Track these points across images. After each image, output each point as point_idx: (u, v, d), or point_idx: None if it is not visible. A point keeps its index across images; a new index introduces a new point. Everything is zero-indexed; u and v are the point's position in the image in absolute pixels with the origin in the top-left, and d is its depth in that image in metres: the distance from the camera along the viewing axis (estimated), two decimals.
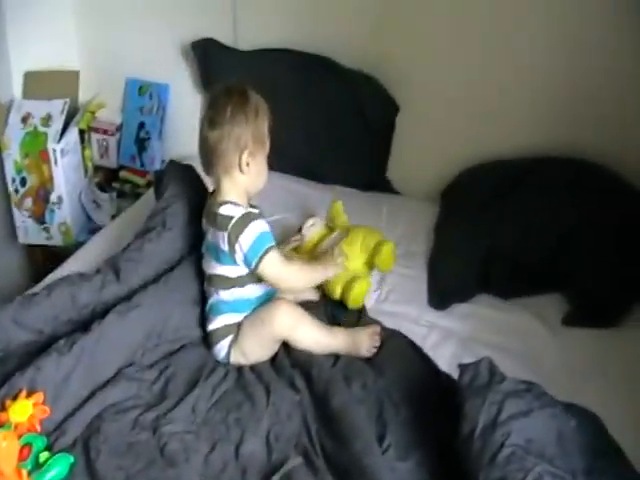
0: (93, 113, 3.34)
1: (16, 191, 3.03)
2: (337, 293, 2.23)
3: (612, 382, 2.01)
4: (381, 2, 2.68)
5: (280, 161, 2.47)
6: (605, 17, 2.37)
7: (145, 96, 3.29)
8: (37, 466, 1.60)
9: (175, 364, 1.98)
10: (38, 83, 3.12)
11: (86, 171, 3.25)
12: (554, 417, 1.57)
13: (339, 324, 2.16)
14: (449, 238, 2.50)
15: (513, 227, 2.38)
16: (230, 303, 2.03)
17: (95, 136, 3.34)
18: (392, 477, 1.60)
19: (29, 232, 3.10)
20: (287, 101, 2.84)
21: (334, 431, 1.74)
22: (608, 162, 2.46)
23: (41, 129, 2.97)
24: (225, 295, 2.02)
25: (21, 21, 3.01)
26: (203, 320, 2.10)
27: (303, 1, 2.82)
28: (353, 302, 2.21)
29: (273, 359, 2.05)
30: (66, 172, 3.02)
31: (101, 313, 1.97)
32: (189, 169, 2.43)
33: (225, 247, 1.95)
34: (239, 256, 1.95)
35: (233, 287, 2.01)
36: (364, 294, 2.24)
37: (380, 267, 2.31)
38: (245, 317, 2.03)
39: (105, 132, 3.33)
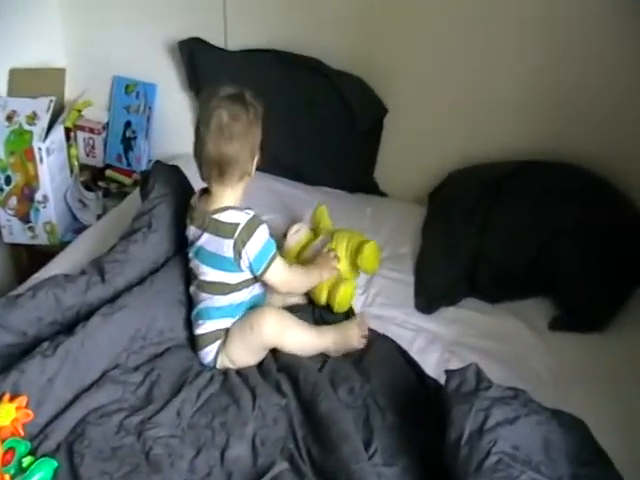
0: (79, 111, 3.32)
1: (1, 190, 3.00)
2: (323, 298, 2.22)
3: (598, 386, 2.02)
4: (370, 4, 2.67)
5: (267, 162, 2.46)
6: (593, 21, 2.37)
7: (132, 95, 3.27)
8: (20, 471, 1.58)
9: (160, 367, 1.96)
10: (24, 80, 3.09)
11: (72, 170, 3.22)
12: (540, 424, 1.57)
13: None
14: (436, 241, 2.50)
15: (499, 231, 2.38)
16: (224, 308, 2.02)
17: (81, 134, 3.32)
18: None
19: (14, 231, 3.07)
20: (274, 102, 2.80)
21: (321, 436, 1.73)
22: (595, 166, 2.47)
23: (26, 127, 2.94)
24: (221, 301, 2.01)
25: (7, 18, 2.98)
26: (189, 322, 2.10)
27: (293, 2, 2.80)
28: (339, 306, 2.20)
29: (260, 363, 2.04)
30: (51, 171, 2.99)
31: (86, 315, 1.96)
32: (175, 170, 2.42)
33: (230, 254, 1.93)
34: (245, 263, 1.95)
35: (232, 292, 2.01)
36: (350, 297, 2.23)
37: (363, 267, 2.29)
38: (234, 323, 2.02)
39: (91, 130, 3.31)
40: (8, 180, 2.98)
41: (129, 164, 3.34)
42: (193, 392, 1.89)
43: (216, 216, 1.95)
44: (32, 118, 2.96)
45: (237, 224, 1.92)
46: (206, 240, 1.97)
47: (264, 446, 1.75)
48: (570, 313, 2.27)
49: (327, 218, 2.48)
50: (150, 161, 3.29)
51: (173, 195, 2.29)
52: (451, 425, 1.57)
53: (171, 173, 2.40)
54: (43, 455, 1.64)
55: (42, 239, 3.09)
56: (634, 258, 2.28)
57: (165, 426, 1.78)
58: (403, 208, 2.86)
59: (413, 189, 2.90)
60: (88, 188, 3.27)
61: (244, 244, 1.91)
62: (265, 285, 2.09)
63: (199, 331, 2.03)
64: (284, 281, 2.06)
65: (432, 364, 2.06)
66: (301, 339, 2.04)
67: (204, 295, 2.03)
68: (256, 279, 2.04)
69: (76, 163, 3.28)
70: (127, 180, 3.32)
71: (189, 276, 2.11)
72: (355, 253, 2.26)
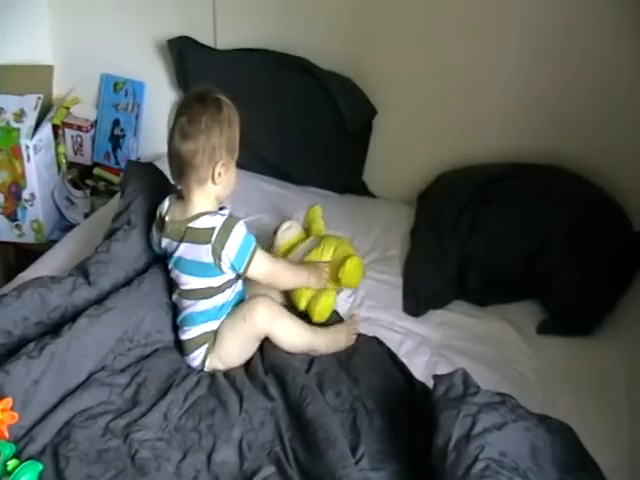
0: (68, 108, 3.30)
1: None
2: (302, 305, 2.19)
3: (586, 391, 2.03)
4: (361, 5, 2.66)
5: (255, 162, 2.46)
6: (584, 21, 2.37)
7: (120, 93, 3.26)
8: (5, 474, 1.57)
9: (147, 369, 1.95)
10: (11, 78, 3.06)
11: (59, 168, 3.20)
12: (528, 430, 1.57)
13: None
14: (424, 244, 2.49)
15: (487, 234, 2.38)
16: (208, 312, 2.00)
17: (69, 132, 3.30)
18: None
19: (1, 229, 3.04)
20: (263, 102, 2.83)
21: (308, 440, 1.72)
22: (585, 170, 2.47)
23: (14, 124, 2.92)
24: (205, 305, 1.99)
25: None
26: (175, 325, 2.09)
27: (283, 2, 2.79)
28: (318, 316, 2.16)
29: (247, 365, 2.03)
30: (39, 169, 2.98)
31: (72, 316, 1.94)
32: (148, 165, 2.44)
33: (209, 259, 1.92)
34: (225, 264, 1.93)
35: (215, 295, 1.99)
36: (330, 308, 2.20)
37: (344, 282, 2.22)
38: (222, 322, 2.02)
39: (79, 128, 3.30)
40: None
41: (117, 162, 3.32)
42: (180, 394, 1.88)
43: (191, 224, 1.93)
44: (19, 115, 2.94)
45: (213, 228, 1.90)
46: (184, 250, 1.96)
47: (251, 450, 1.74)
48: (559, 317, 2.27)
49: (320, 219, 2.45)
50: (139, 159, 3.28)
51: (147, 187, 2.27)
52: (438, 430, 1.56)
53: (143, 168, 2.41)
54: (28, 458, 1.63)
55: (29, 237, 3.07)
56: (623, 263, 2.29)
57: (152, 429, 1.77)
58: (392, 209, 2.86)
59: (402, 190, 2.89)
60: (76, 186, 3.26)
61: (222, 247, 1.90)
62: (245, 280, 2.09)
63: (185, 337, 2.02)
64: (268, 273, 2.04)
65: (420, 367, 2.06)
66: (292, 330, 2.04)
67: (187, 302, 2.01)
68: (239, 277, 2.03)
69: (64, 161, 3.26)
70: (115, 178, 3.29)
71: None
72: (337, 267, 2.21)
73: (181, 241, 1.95)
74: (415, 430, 1.77)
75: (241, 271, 1.96)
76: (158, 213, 2.07)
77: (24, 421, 1.69)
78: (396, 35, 2.66)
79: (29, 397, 1.72)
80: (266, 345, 2.05)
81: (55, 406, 1.76)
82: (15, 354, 1.78)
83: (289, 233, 2.37)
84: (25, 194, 2.99)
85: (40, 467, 1.61)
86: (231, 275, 1.99)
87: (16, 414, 1.67)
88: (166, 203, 2.06)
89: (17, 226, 3.05)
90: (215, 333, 2.01)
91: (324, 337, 2.07)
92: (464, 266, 2.37)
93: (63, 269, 2.29)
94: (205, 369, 2.01)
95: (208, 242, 1.90)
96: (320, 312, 2.16)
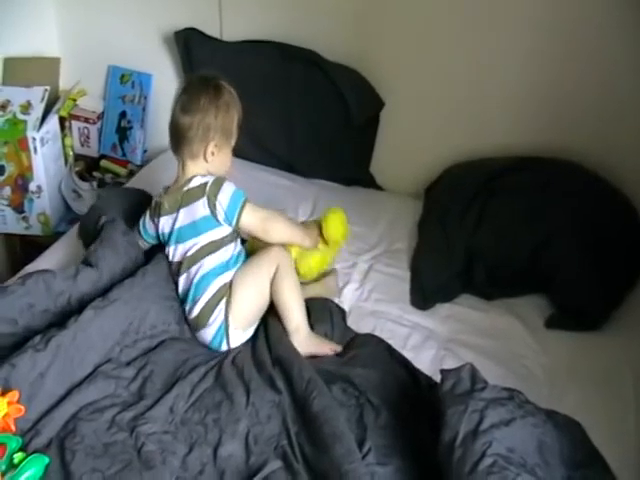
0: (74, 100, 3.30)
1: None
2: (292, 256, 2.21)
3: (593, 386, 2.02)
4: None
5: (261, 154, 2.45)
6: (586, 16, 2.35)
7: (127, 85, 3.25)
8: (11, 467, 1.57)
9: (154, 362, 1.95)
10: (18, 70, 3.07)
11: (66, 160, 3.20)
12: (536, 426, 1.55)
13: None
14: (432, 237, 2.49)
15: (494, 228, 2.38)
16: (218, 266, 2.07)
17: (76, 124, 3.30)
18: None
19: (7, 221, 3.05)
20: (270, 93, 2.83)
21: (314, 435, 1.72)
22: (592, 163, 2.45)
23: (20, 117, 2.92)
24: (212, 261, 2.06)
25: (0, 6, 2.95)
26: (181, 316, 2.11)
27: None
28: (303, 275, 2.21)
29: (254, 354, 2.02)
30: (46, 161, 2.98)
31: (77, 302, 1.98)
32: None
33: (206, 211, 2.03)
34: (220, 214, 2.03)
35: (219, 249, 2.07)
36: (316, 269, 2.25)
37: (327, 235, 2.26)
38: (234, 274, 2.09)
39: (86, 120, 3.30)
40: (2, 170, 2.96)
41: (124, 154, 3.32)
42: (187, 387, 1.88)
43: (185, 188, 2.06)
44: (26, 107, 2.94)
45: (205, 183, 2.04)
46: (183, 217, 2.07)
47: (257, 444, 1.74)
48: (567, 311, 2.26)
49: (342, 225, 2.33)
50: (145, 151, 3.28)
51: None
52: (445, 426, 1.55)
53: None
54: (34, 451, 1.63)
55: (36, 229, 3.07)
56: (631, 257, 2.28)
57: (158, 422, 1.77)
58: (399, 202, 2.85)
59: (409, 183, 2.88)
60: (83, 178, 3.26)
61: (216, 196, 2.02)
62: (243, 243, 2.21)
63: (199, 305, 2.06)
64: (262, 222, 2.10)
65: (427, 361, 2.06)
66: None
67: (195, 268, 2.07)
68: (236, 233, 2.13)
69: (71, 153, 3.27)
70: (122, 170, 3.29)
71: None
72: (321, 222, 2.27)
73: (179, 208, 2.07)
74: (421, 425, 1.77)
75: (234, 222, 2.05)
76: (153, 202, 2.18)
77: (30, 414, 1.69)
78: (404, 28, 2.65)
79: (35, 390, 1.73)
80: (273, 335, 2.05)
81: (61, 399, 1.76)
82: (21, 347, 1.78)
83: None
84: (32, 186, 2.99)
85: (46, 460, 1.60)
86: (228, 229, 2.07)
87: (22, 407, 1.67)
88: (160, 192, 2.17)
89: (24, 218, 3.05)
90: (230, 286, 2.06)
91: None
92: (471, 260, 2.36)
93: (69, 261, 2.30)
94: (228, 334, 2.04)
95: (203, 195, 2.03)
96: (305, 271, 2.22)
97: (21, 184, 2.98)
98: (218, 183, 2.04)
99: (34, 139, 2.91)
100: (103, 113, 3.33)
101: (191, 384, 1.90)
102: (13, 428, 1.64)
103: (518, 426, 1.53)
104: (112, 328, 1.93)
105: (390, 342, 2.09)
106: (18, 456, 1.59)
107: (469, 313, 2.30)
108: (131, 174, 3.17)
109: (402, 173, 2.90)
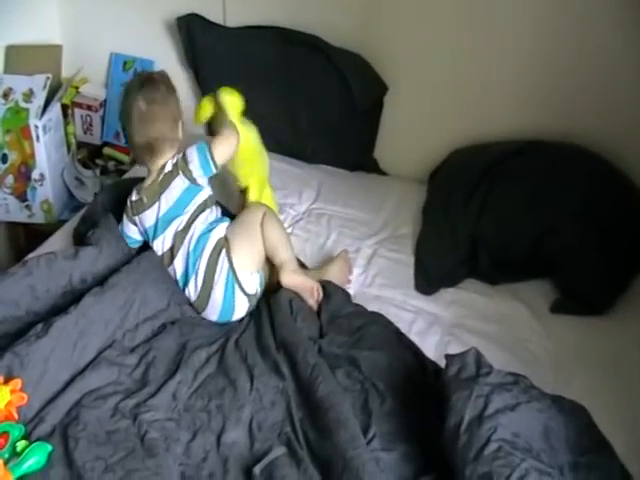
0: (77, 88, 3.28)
1: None
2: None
3: (599, 371, 2.01)
4: None
5: (265, 139, 2.43)
6: (599, 5, 2.33)
7: (130, 72, 3.23)
8: (14, 455, 1.57)
9: (156, 348, 1.96)
10: (20, 58, 3.05)
11: (69, 148, 3.19)
12: (541, 411, 1.54)
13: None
14: (436, 222, 2.48)
15: (499, 212, 2.36)
16: (209, 224, 2.14)
17: (79, 112, 3.28)
18: (377, 469, 1.57)
19: (10, 210, 3.04)
20: (273, 79, 2.81)
21: (319, 421, 1.71)
22: (598, 147, 2.43)
23: (23, 105, 2.91)
24: (202, 220, 2.13)
25: None
26: (180, 299, 2.12)
27: None
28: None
29: (259, 338, 2.01)
30: (48, 149, 2.97)
31: (79, 280, 2.06)
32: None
33: (185, 183, 2.10)
34: (198, 173, 2.10)
35: (205, 209, 2.14)
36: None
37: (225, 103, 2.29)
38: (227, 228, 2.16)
39: (89, 107, 3.28)
40: (4, 158, 2.95)
41: (127, 142, 3.30)
42: (189, 373, 1.88)
43: (161, 176, 2.12)
44: (28, 95, 2.93)
45: (175, 163, 2.11)
46: (164, 201, 2.12)
47: (261, 431, 1.73)
48: (572, 296, 2.24)
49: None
50: None
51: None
52: (450, 411, 1.55)
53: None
54: (37, 439, 1.63)
55: (39, 218, 3.07)
56: (636, 241, 2.26)
57: (161, 409, 1.77)
58: (404, 187, 2.84)
59: (414, 168, 2.86)
60: (85, 166, 3.25)
61: (187, 163, 2.09)
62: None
63: (202, 266, 2.09)
64: (226, 150, 2.17)
65: (432, 347, 2.05)
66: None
67: (190, 233, 2.11)
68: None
69: (73, 141, 3.26)
70: (125, 158, 3.29)
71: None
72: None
73: (160, 195, 2.12)
74: (426, 410, 1.76)
75: (214, 170, 2.12)
76: (128, 202, 2.20)
77: (34, 401, 1.69)
78: (408, 12, 2.63)
79: (39, 377, 1.73)
80: (277, 318, 2.03)
81: (65, 386, 1.76)
82: (23, 335, 1.79)
83: None
84: (35, 174, 2.98)
85: (49, 448, 1.61)
86: (207, 191, 2.15)
87: (25, 395, 1.67)
88: (133, 193, 2.20)
89: (27, 206, 3.04)
90: (227, 240, 2.12)
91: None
92: (475, 245, 2.35)
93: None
94: (233, 301, 2.08)
95: (177, 174, 2.10)
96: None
97: (24, 172, 2.97)
98: (182, 154, 2.11)
99: (36, 127, 2.90)
100: (105, 100, 3.31)
101: (194, 370, 1.90)
102: (16, 416, 1.64)
103: (523, 411, 1.52)
104: (113, 312, 1.95)
105: None
106: (21, 444, 1.59)
107: (474, 298, 2.28)
108: (134, 162, 3.15)
109: (406, 158, 2.89)
